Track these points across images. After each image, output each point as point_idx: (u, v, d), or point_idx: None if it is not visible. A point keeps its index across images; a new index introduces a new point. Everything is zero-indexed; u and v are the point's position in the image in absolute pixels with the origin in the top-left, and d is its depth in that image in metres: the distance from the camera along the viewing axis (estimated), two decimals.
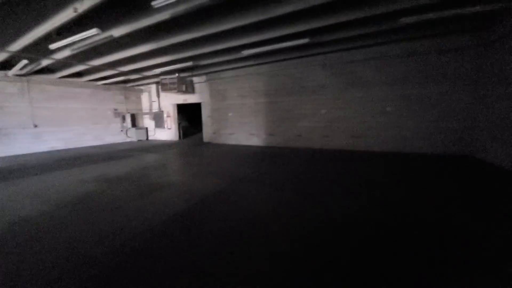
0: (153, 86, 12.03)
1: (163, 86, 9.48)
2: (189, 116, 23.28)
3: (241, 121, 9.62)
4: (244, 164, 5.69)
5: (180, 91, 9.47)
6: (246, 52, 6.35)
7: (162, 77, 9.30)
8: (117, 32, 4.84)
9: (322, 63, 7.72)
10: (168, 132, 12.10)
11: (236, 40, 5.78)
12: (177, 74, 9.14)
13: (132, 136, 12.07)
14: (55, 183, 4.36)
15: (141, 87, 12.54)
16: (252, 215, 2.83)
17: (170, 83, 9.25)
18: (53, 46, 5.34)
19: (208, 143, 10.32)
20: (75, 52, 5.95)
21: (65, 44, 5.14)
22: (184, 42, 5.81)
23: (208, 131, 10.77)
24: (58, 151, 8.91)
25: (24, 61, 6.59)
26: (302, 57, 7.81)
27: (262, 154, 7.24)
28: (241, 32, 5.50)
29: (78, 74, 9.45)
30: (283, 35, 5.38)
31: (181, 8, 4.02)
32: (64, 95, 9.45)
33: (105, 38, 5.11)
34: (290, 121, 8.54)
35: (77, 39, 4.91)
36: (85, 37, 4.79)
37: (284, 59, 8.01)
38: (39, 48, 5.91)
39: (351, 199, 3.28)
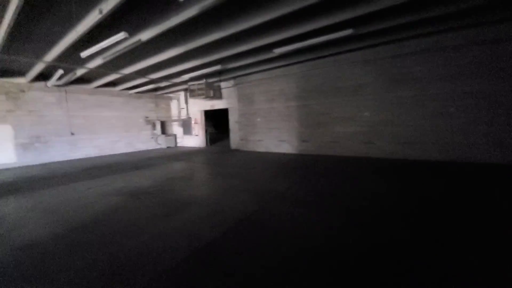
0: (182, 93, 12.07)
1: (191, 93, 9.34)
2: (216, 122, 23.43)
3: (270, 126, 9.02)
4: (277, 176, 5.03)
5: (208, 96, 9.23)
6: (278, 51, 5.77)
7: (190, 83, 9.16)
8: (145, 35, 4.61)
9: (363, 59, 6.82)
10: (195, 139, 11.97)
11: (267, 37, 5.25)
12: (204, 80, 8.92)
13: (162, 143, 12.17)
14: (76, 196, 4.13)
15: (171, 95, 12.69)
16: (298, 255, 2.15)
17: (198, 89, 9.05)
18: (84, 54, 5.30)
19: (236, 150, 9.87)
20: (106, 60, 5.93)
21: (95, 51, 5.05)
22: (212, 44, 5.43)
23: (235, 138, 10.35)
24: (91, 158, 9.17)
25: (60, 71, 6.79)
26: (338, 54, 7.00)
27: (295, 164, 6.51)
28: (273, 27, 4.94)
29: (112, 84, 9.75)
30: (321, 27, 4.68)
31: (208, 1, 3.58)
32: (98, 104, 9.80)
33: (134, 43, 4.92)
34: (325, 126, 7.70)
35: (106, 45, 4.76)
36: (113, 42, 4.61)
37: (317, 57, 7.26)
38: (72, 57, 6.01)
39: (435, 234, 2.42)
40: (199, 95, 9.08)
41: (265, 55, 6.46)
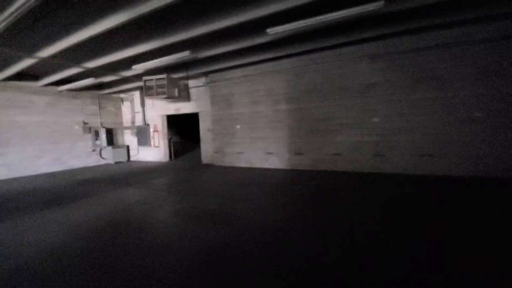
0: (137, 93, 9.88)
1: (148, 91, 7.33)
2: (181, 129, 21.07)
3: (254, 135, 7.46)
4: (285, 217, 3.45)
5: (171, 97, 7.33)
6: (274, 30, 4.31)
7: (145, 77, 7.17)
8: None
9: (371, 53, 5.79)
10: (155, 151, 9.80)
11: (260, 7, 3.74)
12: (166, 74, 7.03)
13: (108, 157, 9.71)
14: None
15: (121, 95, 10.36)
16: None
17: (158, 86, 7.11)
18: None
19: (209, 166, 8.05)
20: (2, 28, 3.80)
21: None
22: (174, 10, 3.73)
23: (208, 150, 8.54)
24: None
25: None
26: (339, 46, 5.88)
27: (295, 186, 5.03)
28: None
29: (32, 76, 7.25)
30: None
31: None
32: (9, 104, 7.17)
33: None
34: (325, 134, 6.44)
35: None
36: None
37: (316, 49, 6.02)
38: None
39: None
40: (158, 94, 7.14)
41: (252, 39, 4.96)
